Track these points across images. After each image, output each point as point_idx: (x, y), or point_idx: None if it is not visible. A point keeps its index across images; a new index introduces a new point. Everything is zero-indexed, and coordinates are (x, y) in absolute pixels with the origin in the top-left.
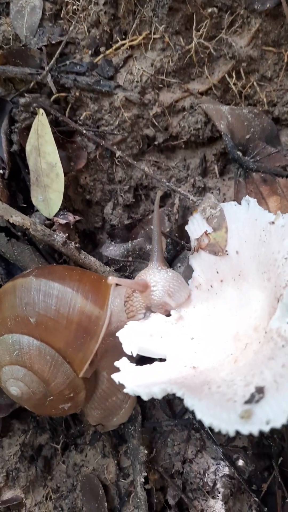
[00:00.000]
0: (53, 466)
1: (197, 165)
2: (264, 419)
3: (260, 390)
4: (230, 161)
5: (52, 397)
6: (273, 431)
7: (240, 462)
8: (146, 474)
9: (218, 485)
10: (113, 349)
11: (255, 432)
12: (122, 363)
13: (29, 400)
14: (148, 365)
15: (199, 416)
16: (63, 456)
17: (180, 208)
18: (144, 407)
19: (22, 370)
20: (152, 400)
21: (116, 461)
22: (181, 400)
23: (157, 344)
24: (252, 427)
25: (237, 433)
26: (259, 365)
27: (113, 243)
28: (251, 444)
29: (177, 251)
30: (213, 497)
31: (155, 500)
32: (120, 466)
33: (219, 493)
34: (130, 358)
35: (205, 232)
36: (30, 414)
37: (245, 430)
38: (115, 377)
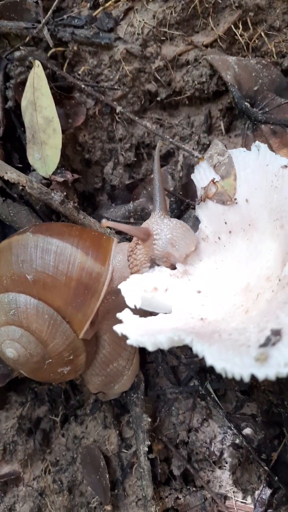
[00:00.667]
0: (52, 439)
1: (202, 122)
2: (282, 361)
3: (276, 333)
4: (237, 117)
5: (50, 360)
6: (284, 397)
7: (248, 431)
8: (149, 443)
9: (225, 455)
10: (115, 310)
11: (272, 376)
12: (125, 314)
13: (26, 363)
14: (153, 316)
15: (210, 361)
16: (62, 429)
17: (184, 165)
18: (147, 375)
19: (19, 330)
20: (156, 367)
21: (118, 432)
22: (186, 366)
23: (161, 297)
24: (268, 370)
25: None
26: (273, 311)
27: (113, 204)
28: (260, 411)
29: (181, 211)
30: (220, 467)
31: (159, 471)
32: (122, 436)
33: (226, 463)
34: (133, 311)
35: (213, 180)
36: (28, 386)
37: (261, 373)
38: (118, 328)
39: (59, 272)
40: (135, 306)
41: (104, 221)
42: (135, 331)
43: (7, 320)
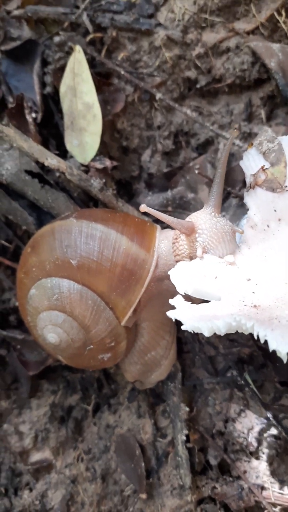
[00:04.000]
0: (84, 428)
1: (242, 111)
2: None
3: None
4: (278, 106)
5: (91, 346)
6: None
7: (287, 422)
8: (187, 432)
9: (263, 446)
10: (157, 298)
11: None
12: (177, 300)
13: (67, 349)
14: (204, 303)
15: (273, 346)
16: (94, 417)
17: None
18: (183, 365)
19: (62, 315)
20: (192, 357)
21: (153, 421)
22: (224, 356)
23: (211, 284)
24: None
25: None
26: None
27: (150, 192)
28: None
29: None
30: (257, 458)
31: (196, 460)
32: (157, 426)
33: (264, 453)
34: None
35: (262, 168)
36: (60, 374)
37: None
38: (172, 314)
39: (104, 257)
40: (185, 293)
41: (143, 206)
42: (189, 316)
43: (49, 305)
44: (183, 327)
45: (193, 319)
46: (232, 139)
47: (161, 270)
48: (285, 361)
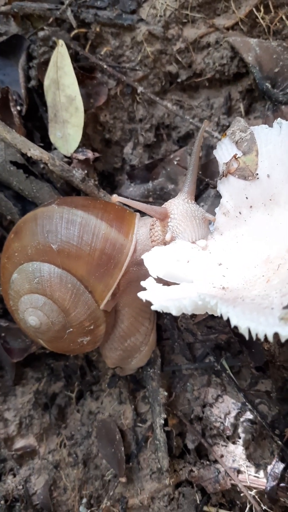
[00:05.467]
0: (67, 415)
1: (221, 104)
2: None
3: None
4: (256, 100)
5: (71, 329)
6: None
7: (263, 407)
8: (165, 416)
9: (239, 430)
10: (136, 283)
11: None
12: (148, 282)
13: (47, 331)
14: (175, 285)
15: (234, 321)
16: (77, 404)
17: (204, 146)
18: (163, 351)
19: (42, 298)
20: (171, 344)
21: (133, 406)
22: (202, 343)
23: (183, 268)
24: None
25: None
26: None
27: (132, 184)
28: (274, 388)
29: (200, 190)
30: (234, 442)
31: (174, 444)
32: (137, 411)
33: (240, 438)
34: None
35: (235, 156)
36: (44, 362)
37: (285, 331)
38: (142, 295)
39: (84, 242)
40: (157, 277)
41: (114, 196)
42: (159, 297)
43: (30, 288)
44: (152, 307)
45: (162, 299)
46: (203, 128)
47: (140, 255)
48: (246, 337)
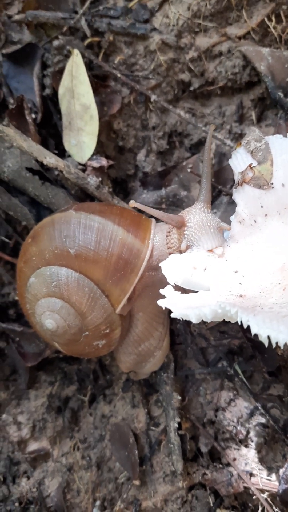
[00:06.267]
0: (80, 418)
1: (233, 112)
2: None
3: None
4: (268, 108)
5: (87, 332)
6: None
7: (275, 411)
8: (179, 420)
9: (251, 434)
10: (151, 289)
11: None
12: (167, 290)
13: (63, 335)
14: (194, 293)
15: (255, 330)
16: (90, 408)
17: (216, 154)
18: (176, 356)
19: (59, 302)
20: (185, 349)
21: (146, 410)
22: (215, 348)
23: (200, 276)
24: None
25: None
26: None
27: (145, 190)
28: (286, 392)
29: (213, 197)
30: (246, 446)
31: (188, 447)
32: (150, 415)
33: (252, 441)
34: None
35: (250, 166)
36: (58, 366)
37: None
38: (162, 303)
39: (101, 247)
40: (175, 284)
41: (132, 201)
42: (178, 305)
43: (48, 292)
44: (172, 315)
45: (181, 307)
46: (210, 134)
47: (155, 260)
48: (266, 344)
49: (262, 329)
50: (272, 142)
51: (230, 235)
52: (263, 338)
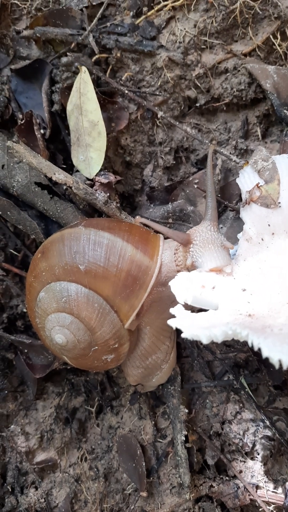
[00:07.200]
0: (87, 429)
1: (239, 128)
2: None
3: None
4: (273, 124)
5: (96, 347)
6: None
7: (280, 424)
8: (186, 432)
9: (257, 447)
10: (159, 304)
11: None
12: (177, 309)
13: (73, 349)
14: (203, 312)
15: (266, 353)
16: (97, 419)
17: (222, 169)
18: (182, 369)
19: (69, 317)
20: (191, 362)
21: (153, 422)
22: (221, 361)
23: (209, 294)
24: None
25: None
26: None
27: (152, 205)
28: None
29: (219, 213)
30: (252, 458)
31: (195, 460)
32: (157, 427)
33: (258, 454)
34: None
35: (257, 185)
36: (65, 377)
37: None
38: (172, 322)
39: (110, 263)
40: (185, 303)
41: (138, 217)
42: (188, 325)
43: (58, 307)
44: (182, 335)
45: (192, 327)
46: (211, 153)
47: (164, 276)
48: (277, 367)
49: (273, 353)
50: (279, 162)
51: (237, 253)
52: (274, 362)
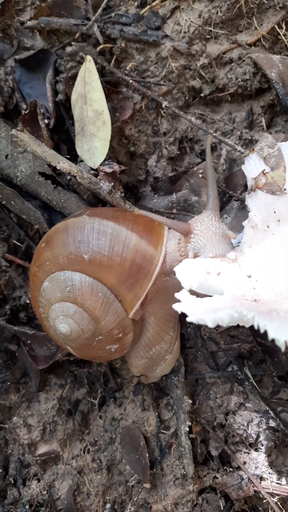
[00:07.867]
0: (90, 421)
1: (243, 118)
2: None
3: None
4: (278, 114)
5: (100, 337)
6: None
7: (285, 415)
8: (190, 423)
9: (261, 438)
10: (163, 293)
11: None
12: (183, 294)
13: (77, 339)
14: (208, 297)
15: (272, 334)
16: (100, 411)
17: (227, 159)
18: (186, 360)
19: (73, 307)
20: (195, 353)
21: (156, 414)
22: (225, 352)
23: (214, 280)
24: None
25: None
26: None
27: (156, 195)
28: None
29: (223, 202)
30: (256, 450)
31: (198, 451)
32: (160, 418)
33: (262, 445)
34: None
35: (263, 171)
36: (68, 369)
37: None
38: (177, 307)
39: (115, 253)
40: (190, 289)
41: (136, 209)
42: (194, 309)
43: (62, 296)
44: (188, 319)
45: (197, 311)
46: (209, 143)
47: (168, 266)
48: (283, 349)
49: (279, 334)
50: (285, 149)
51: (243, 240)
52: (280, 343)
